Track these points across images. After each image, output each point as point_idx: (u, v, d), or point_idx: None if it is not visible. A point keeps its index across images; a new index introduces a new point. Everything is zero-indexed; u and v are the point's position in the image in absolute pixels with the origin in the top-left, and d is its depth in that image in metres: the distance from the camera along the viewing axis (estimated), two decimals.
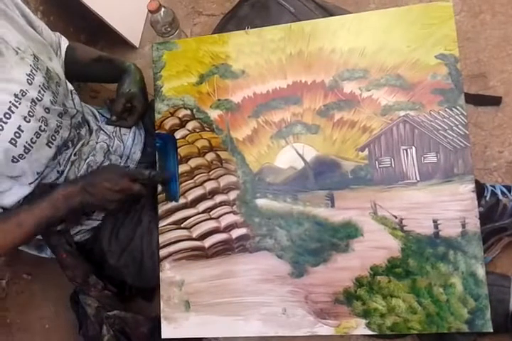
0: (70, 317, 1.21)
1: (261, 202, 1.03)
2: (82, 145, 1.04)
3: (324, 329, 0.97)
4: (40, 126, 0.90)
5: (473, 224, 0.93)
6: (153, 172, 1.03)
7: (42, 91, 0.90)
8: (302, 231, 1.00)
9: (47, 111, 0.91)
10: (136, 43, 1.48)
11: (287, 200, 1.02)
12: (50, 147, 0.93)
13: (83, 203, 0.96)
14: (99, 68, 1.14)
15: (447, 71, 0.99)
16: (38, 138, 0.89)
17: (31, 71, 0.89)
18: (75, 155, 1.02)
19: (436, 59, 1.00)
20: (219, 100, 1.09)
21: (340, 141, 1.02)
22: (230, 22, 1.34)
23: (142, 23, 1.50)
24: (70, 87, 1.05)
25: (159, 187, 1.08)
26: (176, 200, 1.06)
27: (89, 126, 1.09)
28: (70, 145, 1.00)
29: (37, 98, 0.89)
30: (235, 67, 1.09)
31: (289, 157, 1.04)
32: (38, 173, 0.94)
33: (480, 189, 1.01)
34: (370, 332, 0.95)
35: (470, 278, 0.92)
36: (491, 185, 1.05)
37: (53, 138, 0.93)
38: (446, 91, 0.99)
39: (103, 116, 1.18)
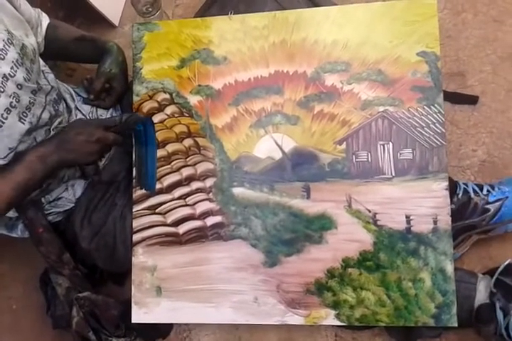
0: (38, 298, 1.19)
1: (237, 190, 1.03)
2: (60, 123, 1.02)
3: (294, 318, 0.99)
4: (11, 102, 0.87)
5: (445, 222, 0.95)
6: (125, 116, 1.01)
7: (15, 68, 0.88)
8: (277, 221, 1.01)
9: (19, 87, 0.89)
10: (116, 22, 1.44)
11: (264, 190, 1.02)
12: (23, 123, 0.91)
13: (61, 161, 0.94)
14: (81, 48, 1.11)
15: (428, 69, 1.01)
16: (8, 114, 0.87)
17: (4, 46, 0.86)
18: (52, 130, 1.00)
19: (418, 56, 1.01)
20: (199, 86, 1.08)
21: (319, 133, 1.03)
22: (213, 5, 1.32)
23: (123, 2, 1.46)
24: (43, 65, 1.02)
25: (134, 172, 1.07)
26: (151, 189, 1.06)
27: (66, 103, 1.07)
28: (48, 121, 0.98)
29: (9, 74, 0.86)
30: (217, 52, 1.08)
31: (267, 147, 1.04)
32: (10, 149, 0.91)
33: (453, 186, 1.03)
34: (339, 323, 0.98)
35: (439, 273, 0.95)
36: (463, 183, 1.07)
37: (24, 114, 0.91)
38: (425, 89, 1.00)
39: (79, 95, 1.15)
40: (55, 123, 1.00)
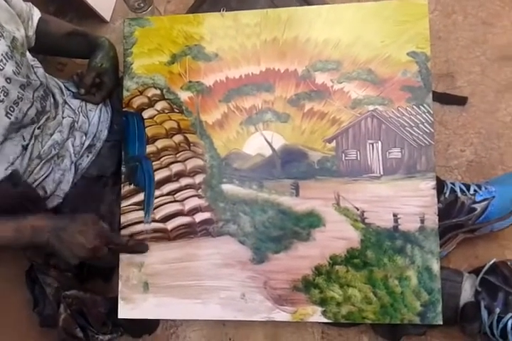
0: (24, 294, 1.18)
1: (227, 187, 1.03)
2: (47, 119, 1.01)
3: (281, 315, 0.99)
4: None
5: (432, 221, 0.96)
6: (132, 241, 1.02)
7: (4, 61, 0.87)
8: (266, 218, 1.02)
9: (8, 81, 0.88)
10: (107, 17, 1.43)
11: (253, 187, 1.03)
12: (9, 118, 0.90)
13: (48, 244, 0.92)
14: (72, 42, 1.11)
15: (417, 69, 1.01)
16: None
17: None
18: (38, 128, 0.99)
19: (408, 56, 1.02)
20: (190, 82, 1.08)
21: (309, 131, 1.03)
22: (205, 2, 1.32)
23: None
24: (32, 59, 1.01)
25: (123, 168, 1.07)
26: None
27: (54, 99, 1.06)
28: (35, 118, 0.97)
29: None
30: (209, 49, 1.08)
31: (257, 144, 1.05)
32: None
33: (440, 185, 1.04)
34: (326, 320, 0.98)
35: (425, 272, 0.96)
36: (450, 182, 1.08)
37: (12, 109, 0.90)
38: (415, 88, 1.01)
39: (69, 90, 1.14)
40: (42, 121, 1.00)
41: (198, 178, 1.05)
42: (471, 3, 1.31)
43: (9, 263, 1.27)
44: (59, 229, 0.93)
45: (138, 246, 1.04)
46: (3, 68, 0.87)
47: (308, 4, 1.20)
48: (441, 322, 0.95)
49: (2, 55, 0.87)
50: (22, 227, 0.91)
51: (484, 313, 1.01)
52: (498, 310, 1.00)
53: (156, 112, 1.08)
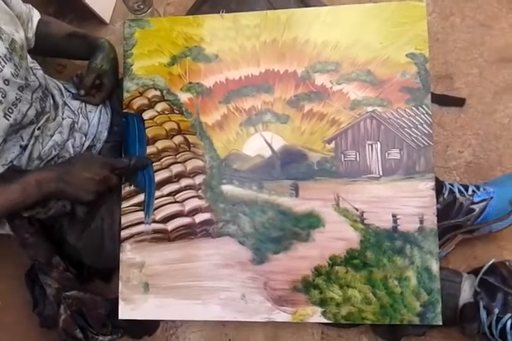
0: (24, 294, 1.18)
1: (226, 188, 1.04)
2: (47, 120, 1.01)
3: (281, 315, 0.99)
4: None
5: (431, 221, 0.97)
6: (134, 159, 1.02)
7: (2, 63, 0.87)
8: (265, 219, 1.02)
9: (6, 83, 0.88)
10: (107, 19, 1.44)
11: (253, 188, 1.03)
12: (7, 119, 0.90)
13: (58, 191, 0.94)
14: (72, 44, 1.11)
15: (416, 70, 1.02)
16: None
17: None
18: (38, 129, 0.99)
19: (407, 57, 1.02)
20: (190, 83, 1.08)
21: (309, 132, 1.03)
22: (204, 4, 1.32)
23: None
24: (31, 61, 1.02)
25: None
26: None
27: (54, 100, 1.06)
28: (34, 119, 0.98)
29: None
30: (208, 50, 1.09)
31: (257, 145, 1.05)
32: None
33: (439, 186, 1.04)
34: (326, 321, 0.98)
35: (424, 272, 0.96)
36: (449, 183, 1.08)
37: (10, 110, 0.90)
38: (414, 90, 1.02)
39: (68, 91, 1.15)
40: (42, 121, 1.00)
41: (198, 179, 1.05)
42: (469, 6, 1.32)
43: (10, 264, 1.28)
44: (63, 174, 0.94)
45: (140, 163, 1.04)
46: (2, 70, 0.86)
47: (307, 6, 1.20)
48: (440, 323, 0.95)
49: (1, 57, 0.86)
50: (27, 186, 0.92)
51: (483, 314, 1.01)
52: (497, 311, 1.00)
53: (156, 113, 1.09)
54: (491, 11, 1.31)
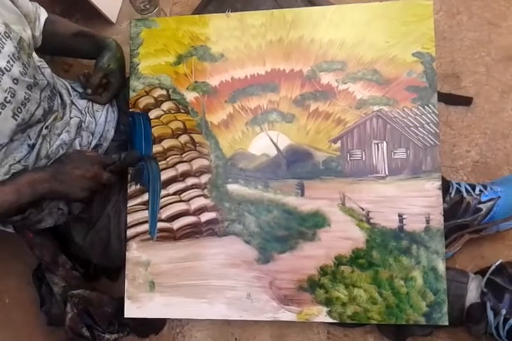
0: (32, 292, 1.19)
1: (232, 187, 1.04)
2: (55, 119, 1.02)
3: (287, 315, 0.99)
4: (6, 97, 0.87)
5: (437, 221, 0.96)
6: (123, 153, 1.02)
7: (11, 62, 0.87)
8: (271, 218, 1.02)
9: (15, 82, 0.88)
10: (114, 19, 1.44)
11: (258, 187, 1.03)
12: (16, 119, 0.90)
13: (51, 191, 0.94)
14: (79, 43, 1.11)
15: (423, 69, 1.01)
16: (2, 109, 0.87)
17: (0, 39, 0.86)
18: (46, 128, 1.00)
19: (413, 56, 1.02)
20: (196, 82, 1.08)
21: (314, 131, 1.03)
22: (210, 3, 1.32)
23: None
24: (39, 60, 1.02)
25: (129, 168, 1.07)
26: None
27: (62, 99, 1.07)
28: (42, 118, 0.98)
29: (5, 68, 0.86)
30: (214, 49, 1.09)
31: (262, 144, 1.05)
32: (0, 145, 0.91)
33: (446, 186, 1.04)
34: (331, 320, 0.98)
35: (430, 272, 0.96)
36: (456, 183, 1.08)
37: (19, 110, 0.90)
38: (420, 89, 1.01)
39: (75, 90, 1.15)
40: (50, 120, 1.00)
41: (204, 178, 1.05)
42: (476, 4, 1.31)
43: (17, 262, 1.29)
44: (55, 173, 0.94)
45: (130, 159, 1.04)
46: (11, 69, 0.87)
47: (313, 5, 1.20)
48: (447, 323, 0.95)
49: (9, 56, 0.87)
50: (20, 187, 0.91)
51: (490, 314, 1.01)
52: (504, 312, 0.99)
53: (162, 112, 1.09)
54: (498, 9, 1.30)
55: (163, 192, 1.06)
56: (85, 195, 0.97)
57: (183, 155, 1.07)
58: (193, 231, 1.04)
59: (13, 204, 0.92)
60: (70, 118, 1.06)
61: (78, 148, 1.06)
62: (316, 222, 1.00)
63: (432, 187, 0.98)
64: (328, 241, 1.00)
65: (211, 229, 1.03)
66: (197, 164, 1.06)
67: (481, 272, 1.08)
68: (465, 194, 1.05)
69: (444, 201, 0.99)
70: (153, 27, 1.12)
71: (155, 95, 1.09)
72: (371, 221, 0.99)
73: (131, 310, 1.03)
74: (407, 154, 1.00)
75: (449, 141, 1.23)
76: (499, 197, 1.06)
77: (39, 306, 1.16)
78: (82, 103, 1.12)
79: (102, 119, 1.12)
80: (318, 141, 1.03)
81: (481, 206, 1.05)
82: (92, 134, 1.10)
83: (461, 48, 1.29)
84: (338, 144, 1.02)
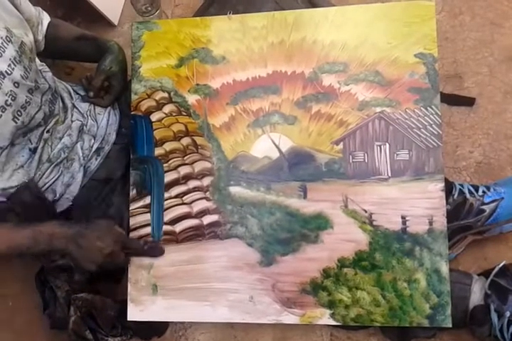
0: (35, 295, 1.19)
1: (234, 189, 1.03)
2: (56, 122, 1.02)
3: (289, 317, 0.99)
4: (7, 100, 0.87)
5: (441, 223, 0.96)
6: (148, 245, 1.02)
7: (12, 65, 0.88)
8: (273, 220, 1.02)
9: (16, 85, 0.89)
10: (115, 21, 1.44)
11: (260, 189, 1.03)
12: (15, 122, 0.91)
13: (65, 249, 0.93)
14: (81, 46, 1.12)
15: (425, 70, 1.01)
16: (3, 112, 0.87)
17: (2, 43, 0.86)
18: (47, 132, 1.00)
19: (415, 57, 1.01)
20: (197, 85, 1.08)
21: (317, 133, 1.03)
22: (212, 6, 1.32)
23: (122, 1, 1.46)
24: (40, 64, 1.02)
25: (131, 171, 1.07)
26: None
27: (63, 102, 1.07)
28: (42, 122, 0.98)
29: (6, 71, 0.87)
30: (216, 52, 1.08)
31: (264, 146, 1.05)
32: (0, 148, 0.91)
33: (448, 187, 1.03)
34: (334, 323, 0.98)
35: (434, 274, 0.95)
36: (459, 184, 1.07)
37: (19, 113, 0.91)
38: (422, 90, 1.01)
39: (77, 93, 1.15)
40: (51, 124, 1.00)
41: (206, 181, 1.05)
42: (479, 4, 1.31)
43: (20, 266, 1.29)
44: (78, 235, 0.94)
45: (153, 250, 1.04)
46: (12, 73, 0.87)
47: (314, 6, 1.19)
48: (450, 325, 0.94)
49: (10, 59, 0.87)
50: (39, 235, 0.92)
51: (494, 316, 1.00)
52: (508, 314, 0.99)
53: (164, 115, 1.09)
54: (501, 9, 1.29)
55: (166, 195, 1.05)
56: (92, 267, 0.96)
57: (185, 157, 1.06)
58: (196, 234, 1.03)
59: (25, 249, 0.92)
60: (72, 121, 1.06)
61: (80, 151, 1.06)
62: (318, 224, 1.00)
63: (434, 188, 0.97)
64: (331, 244, 0.99)
65: (213, 232, 1.03)
66: (199, 167, 1.06)
67: (485, 274, 1.07)
68: (468, 195, 1.05)
69: (447, 202, 0.98)
70: (154, 29, 1.12)
71: (157, 98, 1.09)
72: (374, 223, 0.98)
73: (134, 313, 1.03)
74: (410, 156, 1.00)
75: (451, 142, 1.23)
76: (502, 198, 1.05)
77: (42, 310, 1.16)
78: (84, 106, 1.12)
79: (104, 122, 1.13)
80: (320, 142, 1.03)
81: (484, 207, 1.05)
82: (94, 137, 1.10)
83: (463, 49, 1.28)
84: (341, 146, 1.02)
